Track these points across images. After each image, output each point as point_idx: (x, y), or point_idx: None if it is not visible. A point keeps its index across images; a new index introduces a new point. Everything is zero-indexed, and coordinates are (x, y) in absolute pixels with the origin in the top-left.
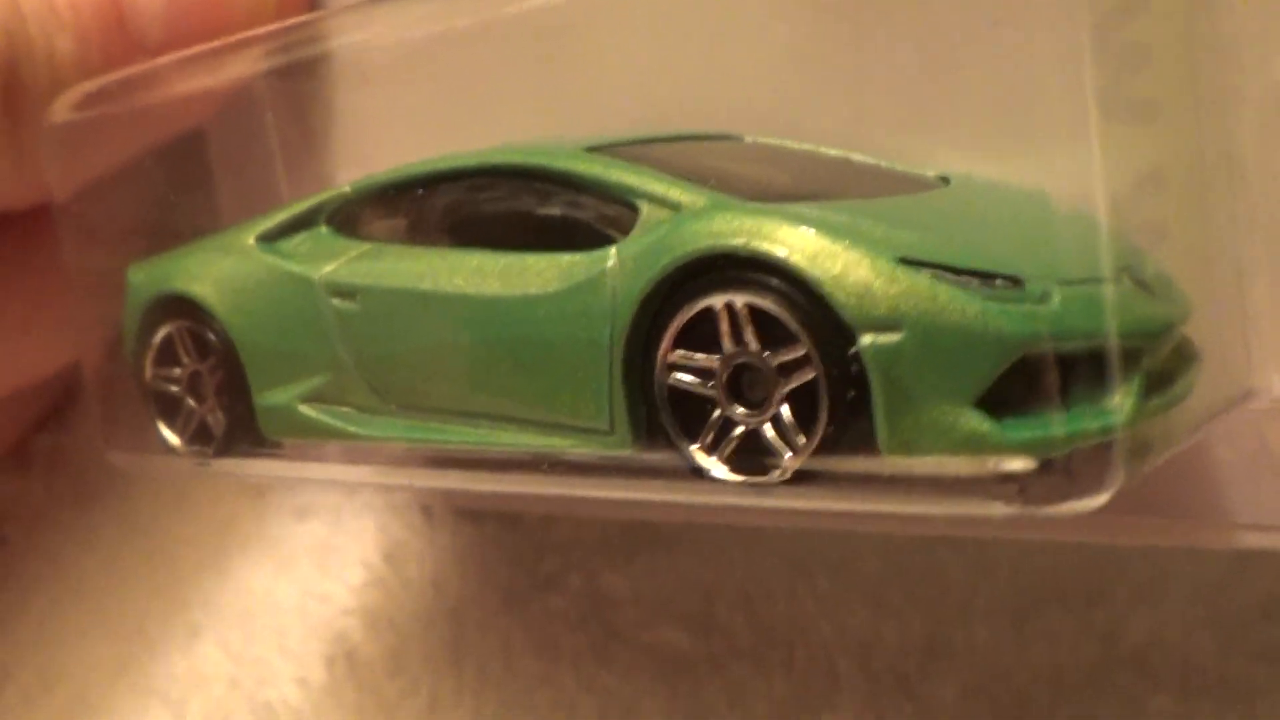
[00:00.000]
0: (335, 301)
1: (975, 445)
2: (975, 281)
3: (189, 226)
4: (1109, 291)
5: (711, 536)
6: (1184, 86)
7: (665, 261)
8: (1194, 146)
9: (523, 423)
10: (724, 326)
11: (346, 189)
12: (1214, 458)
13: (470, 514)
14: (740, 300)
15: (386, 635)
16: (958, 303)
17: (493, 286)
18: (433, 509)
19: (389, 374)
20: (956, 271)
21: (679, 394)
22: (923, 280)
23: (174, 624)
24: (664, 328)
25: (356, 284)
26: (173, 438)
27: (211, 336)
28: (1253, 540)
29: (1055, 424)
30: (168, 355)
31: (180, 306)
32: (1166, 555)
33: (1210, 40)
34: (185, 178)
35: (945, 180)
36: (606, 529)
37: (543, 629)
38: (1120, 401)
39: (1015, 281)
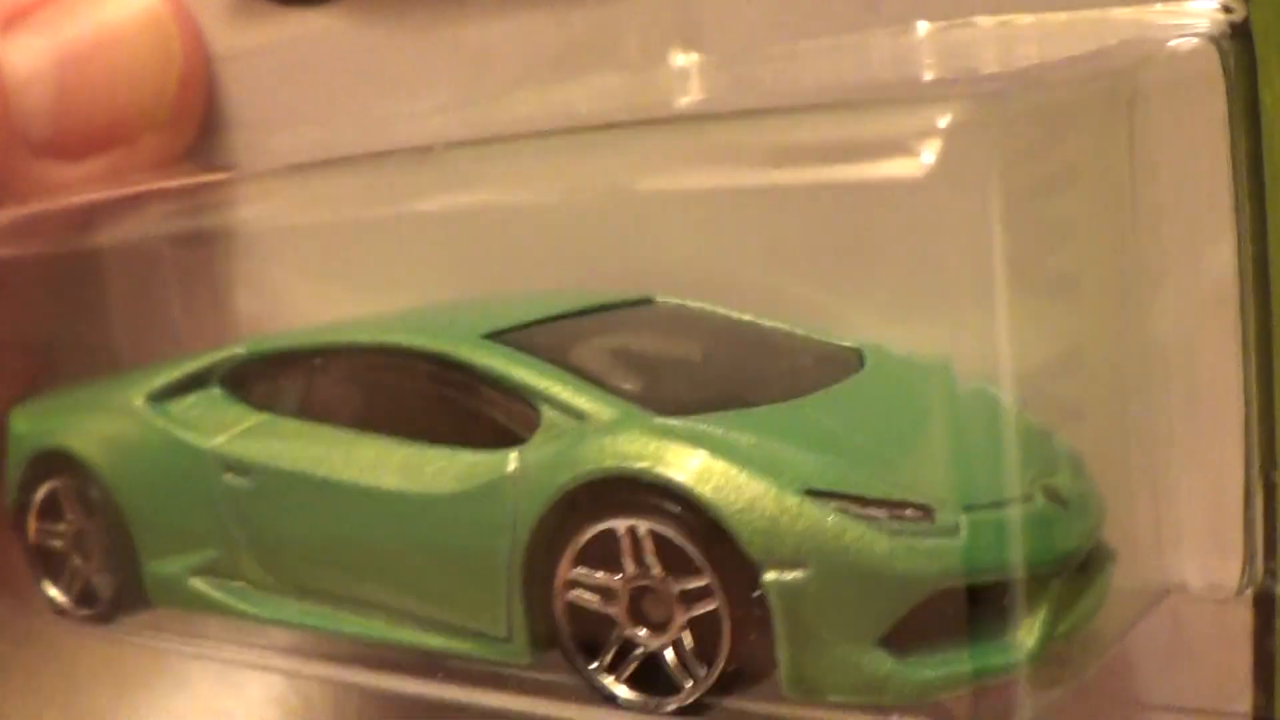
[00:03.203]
0: (227, 477)
1: (878, 686)
2: (884, 514)
3: (79, 362)
4: (1014, 521)
5: None
6: (1106, 265)
7: (567, 478)
8: (1114, 327)
9: (419, 621)
10: (626, 548)
11: (240, 350)
12: (1129, 639)
13: None
14: (643, 526)
15: None
16: (864, 541)
17: (391, 481)
18: None
19: (283, 556)
20: (864, 503)
21: (579, 610)
22: (829, 516)
23: None
24: (564, 544)
25: (249, 461)
26: (58, 596)
27: (97, 496)
28: None
29: (959, 662)
30: (52, 511)
31: (65, 464)
32: None
33: (1137, 225)
34: (79, 312)
35: (859, 358)
36: None
37: None
38: (1025, 636)
39: (925, 511)
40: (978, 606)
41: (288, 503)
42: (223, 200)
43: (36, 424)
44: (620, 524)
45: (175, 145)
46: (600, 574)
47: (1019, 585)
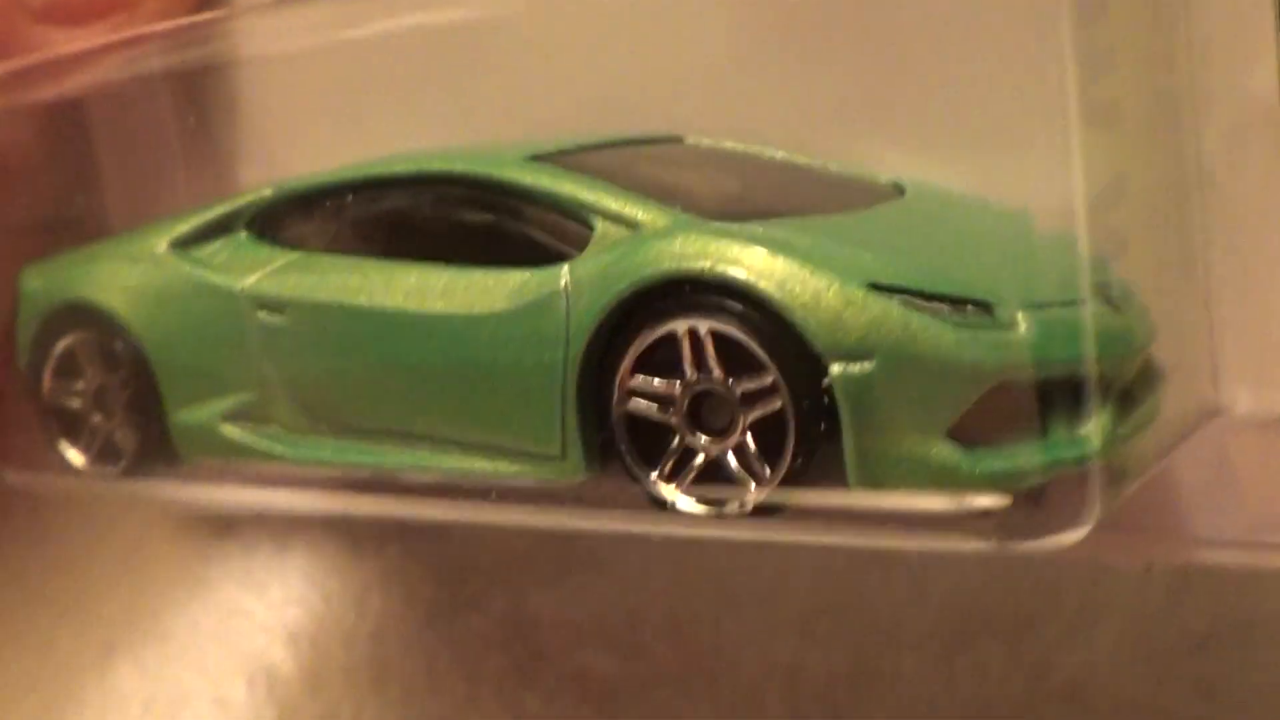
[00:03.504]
0: (261, 315)
1: (947, 477)
2: (946, 308)
3: (71, 224)
4: (1086, 315)
5: (639, 559)
6: (1150, 90)
7: (625, 284)
8: (1160, 153)
9: (467, 446)
10: (686, 352)
11: (267, 192)
12: (1173, 471)
13: (394, 529)
14: (704, 326)
15: (307, 654)
16: (930, 332)
17: (436, 304)
18: (355, 523)
19: (321, 393)
20: (927, 297)
21: (636, 420)
22: (894, 308)
23: (86, 642)
24: (622, 352)
25: (285, 297)
26: (76, 456)
27: (120, 349)
28: (1211, 556)
29: (1028, 454)
30: (70, 368)
31: (86, 316)
32: (1100, 586)
33: (1179, 43)
34: (67, 171)
35: (900, 189)
36: (532, 549)
37: (467, 650)
38: (1094, 429)
39: (985, 307)
40: (1043, 401)
41: (327, 335)
42: (222, 34)
43: (50, 279)
44: (680, 326)
45: (178, 10)
46: (659, 380)
47: (1089, 379)
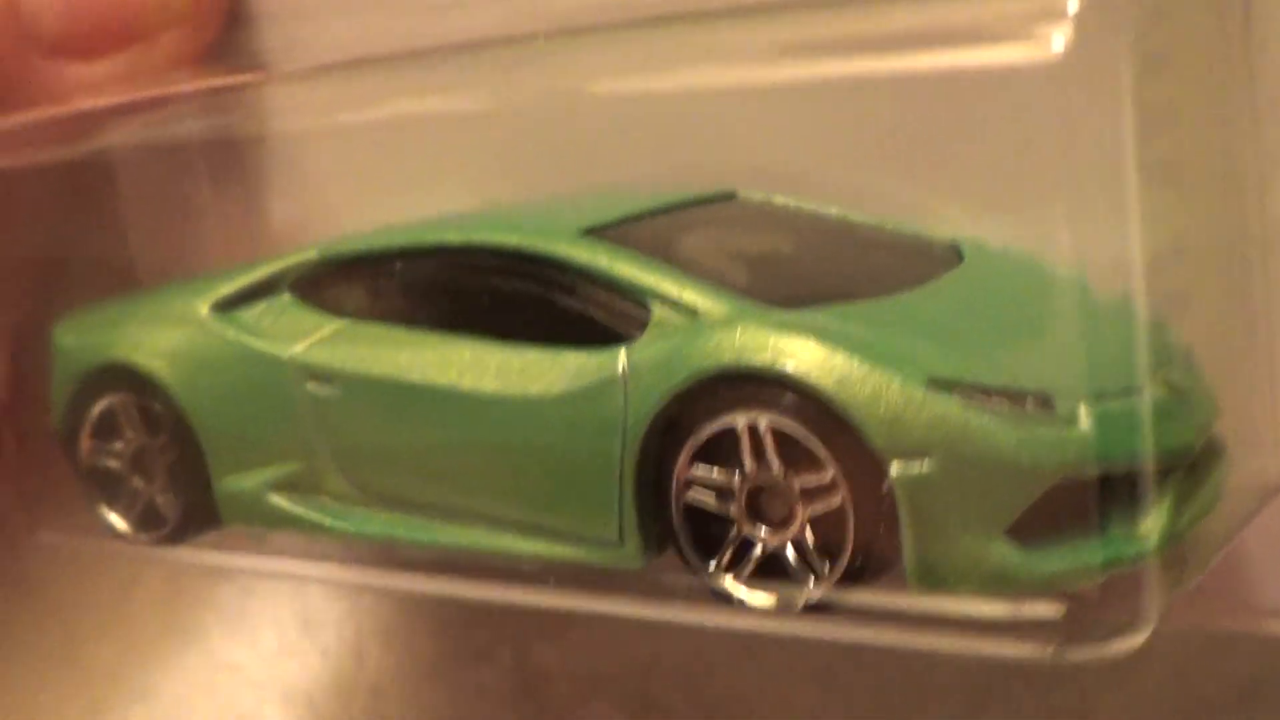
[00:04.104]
0: (310, 385)
1: (1005, 577)
2: (1006, 404)
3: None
4: (1145, 408)
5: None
6: (1212, 148)
7: (684, 375)
8: (1223, 213)
9: (522, 527)
10: (745, 445)
11: (312, 254)
12: (1242, 543)
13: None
14: (764, 421)
15: (303, 710)
16: (989, 431)
17: (491, 384)
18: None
19: (371, 467)
20: (986, 392)
21: (695, 510)
22: (953, 407)
23: (72, 699)
24: (681, 442)
25: (334, 368)
26: (118, 521)
27: (161, 412)
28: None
29: (1086, 553)
30: (108, 429)
31: (125, 379)
32: None
33: (1244, 102)
34: (94, 225)
35: (958, 252)
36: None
37: (472, 705)
38: (1153, 525)
39: (1045, 401)
40: (1104, 497)
41: (379, 410)
42: (256, 101)
43: (87, 338)
44: (740, 420)
45: (196, 41)
46: (718, 472)
47: (1148, 474)
